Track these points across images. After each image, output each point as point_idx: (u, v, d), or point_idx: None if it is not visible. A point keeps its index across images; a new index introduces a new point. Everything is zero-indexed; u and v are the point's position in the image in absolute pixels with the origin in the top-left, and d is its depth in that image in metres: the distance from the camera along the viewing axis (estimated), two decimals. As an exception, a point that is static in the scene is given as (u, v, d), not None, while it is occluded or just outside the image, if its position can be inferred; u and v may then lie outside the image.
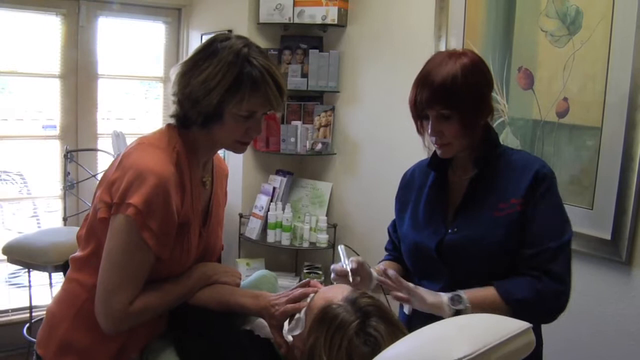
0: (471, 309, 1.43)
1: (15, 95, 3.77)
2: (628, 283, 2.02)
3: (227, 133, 1.45)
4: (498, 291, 1.46)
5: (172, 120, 1.50)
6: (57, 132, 3.61)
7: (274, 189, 3.31)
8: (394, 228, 1.81)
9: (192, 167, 1.47)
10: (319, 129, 3.30)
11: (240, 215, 3.39)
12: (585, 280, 2.14)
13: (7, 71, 3.55)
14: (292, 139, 3.24)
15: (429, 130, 1.53)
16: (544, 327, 2.19)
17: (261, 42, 3.24)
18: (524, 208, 1.49)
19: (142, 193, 1.32)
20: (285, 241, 3.24)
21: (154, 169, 1.34)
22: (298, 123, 3.27)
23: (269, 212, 3.25)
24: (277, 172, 3.40)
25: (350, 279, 1.44)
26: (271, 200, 3.28)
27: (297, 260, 3.54)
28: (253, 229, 3.31)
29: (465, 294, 1.45)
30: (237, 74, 1.37)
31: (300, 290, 1.43)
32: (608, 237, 2.04)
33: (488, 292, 1.46)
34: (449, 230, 1.57)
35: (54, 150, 3.62)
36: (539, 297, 1.43)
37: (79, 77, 3.58)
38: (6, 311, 3.54)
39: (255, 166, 3.42)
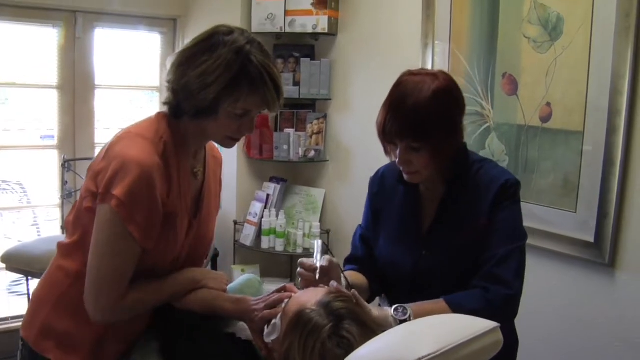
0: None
1: (14, 106, 3.83)
2: (611, 285, 2.05)
3: (219, 129, 1.43)
4: (448, 304, 1.44)
5: (164, 108, 1.47)
6: (55, 142, 3.65)
7: (268, 195, 3.35)
8: (360, 239, 1.76)
9: (180, 158, 1.45)
10: (311, 137, 3.34)
11: (235, 222, 3.43)
12: (570, 282, 2.18)
13: (6, 82, 3.60)
14: (285, 147, 3.29)
15: (397, 159, 1.50)
16: (527, 328, 2.23)
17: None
18: (488, 225, 1.51)
19: (126, 184, 1.31)
20: (279, 247, 3.27)
21: (138, 159, 1.33)
22: (291, 131, 3.31)
23: (262, 219, 3.29)
24: (271, 179, 3.44)
25: (317, 276, 1.45)
26: (265, 207, 3.32)
27: (292, 265, 3.57)
28: (247, 235, 3.34)
29: (411, 307, 1.42)
30: (235, 73, 1.34)
31: (276, 295, 1.45)
32: (591, 239, 2.07)
33: (436, 306, 1.45)
34: (423, 252, 1.57)
35: (52, 160, 3.67)
36: (489, 305, 1.42)
37: (76, 88, 3.62)
38: (6, 319, 3.58)
39: (249, 173, 3.46)
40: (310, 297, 1.31)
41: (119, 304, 1.38)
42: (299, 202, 3.44)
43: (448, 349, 1.05)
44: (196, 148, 1.53)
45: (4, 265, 3.20)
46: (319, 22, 3.16)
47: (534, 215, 2.24)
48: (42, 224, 4.04)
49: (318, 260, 1.51)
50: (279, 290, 1.48)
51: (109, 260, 1.36)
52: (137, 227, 1.34)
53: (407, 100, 1.44)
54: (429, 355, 1.03)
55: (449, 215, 1.55)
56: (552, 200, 2.20)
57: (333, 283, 1.42)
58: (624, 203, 2.00)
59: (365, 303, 1.39)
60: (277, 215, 3.30)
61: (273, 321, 1.36)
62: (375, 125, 1.51)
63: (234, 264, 3.42)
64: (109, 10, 3.61)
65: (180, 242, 1.50)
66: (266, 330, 1.37)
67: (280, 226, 3.26)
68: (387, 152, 1.54)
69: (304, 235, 3.26)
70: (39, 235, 3.88)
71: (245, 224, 3.39)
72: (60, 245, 1.52)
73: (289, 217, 3.37)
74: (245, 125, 1.44)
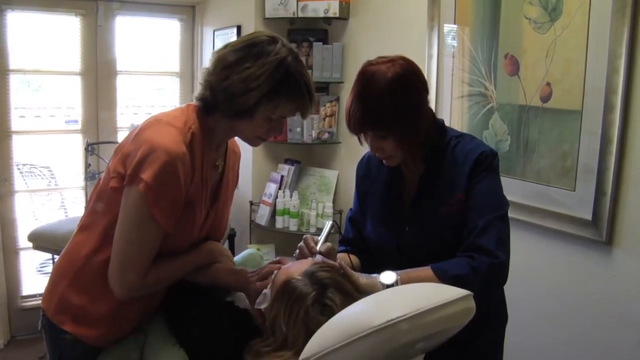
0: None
1: (39, 92, 3.99)
2: (608, 262, 2.08)
3: (252, 129, 1.53)
4: (433, 270, 1.49)
5: (196, 102, 1.54)
6: (79, 126, 3.80)
7: (282, 177, 3.44)
8: (349, 221, 1.84)
9: (205, 150, 1.52)
10: (324, 119, 3.41)
11: (251, 203, 3.53)
12: (568, 259, 2.21)
13: (31, 70, 3.76)
14: (299, 129, 3.36)
15: (369, 147, 1.57)
16: (524, 305, 2.28)
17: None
18: (467, 198, 1.55)
19: (154, 169, 1.38)
20: (293, 227, 3.36)
21: (167, 146, 1.40)
22: (305, 113, 3.38)
23: (277, 200, 3.38)
24: (286, 161, 3.52)
25: (310, 258, 1.51)
26: (279, 188, 3.41)
27: (306, 245, 3.65)
28: (263, 215, 3.44)
29: (398, 273, 1.47)
30: (278, 82, 1.43)
31: (268, 267, 1.55)
32: (589, 217, 2.10)
33: (423, 273, 1.49)
34: (406, 229, 1.63)
35: (77, 144, 3.82)
36: (473, 272, 1.46)
37: (98, 74, 3.76)
38: (34, 295, 3.76)
39: (264, 156, 3.55)
40: (297, 268, 1.40)
41: (142, 281, 1.47)
42: (313, 183, 3.52)
43: (416, 313, 1.11)
44: (220, 142, 1.61)
45: (31, 245, 3.37)
46: (330, 6, 3.21)
47: (535, 193, 2.28)
48: (69, 205, 4.20)
49: (320, 242, 1.58)
50: (272, 263, 1.57)
51: (134, 240, 1.44)
52: (161, 211, 1.42)
53: (365, 92, 1.51)
54: (397, 318, 1.09)
55: (429, 191, 1.61)
56: (552, 178, 2.23)
57: (319, 256, 1.50)
58: (621, 181, 2.02)
59: (352, 272, 1.47)
60: (291, 196, 3.39)
61: (264, 291, 1.45)
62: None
63: (250, 243, 3.53)
64: (129, -2, 3.74)
65: (197, 229, 1.59)
66: (258, 299, 1.46)
67: (294, 206, 3.35)
68: (360, 142, 1.59)
69: (317, 215, 3.34)
70: (66, 217, 4.04)
71: (261, 204, 3.49)
72: (82, 219, 1.61)
73: (303, 197, 3.46)
74: (276, 128, 1.54)
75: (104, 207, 1.54)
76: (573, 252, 2.18)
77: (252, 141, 1.59)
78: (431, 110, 1.63)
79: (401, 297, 1.21)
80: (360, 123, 1.52)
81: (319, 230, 3.32)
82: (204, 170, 1.54)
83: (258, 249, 3.40)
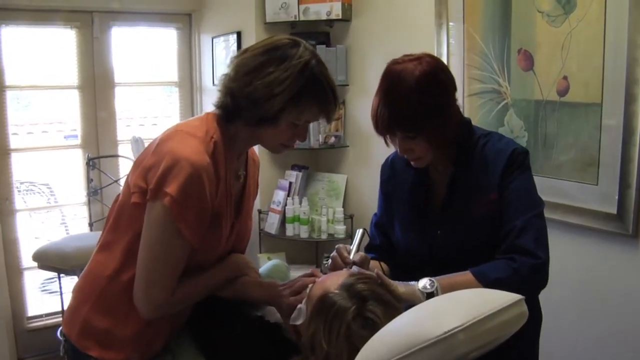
0: (443, 292, 1.41)
1: (37, 108, 3.91)
2: (636, 256, 2.05)
3: (276, 136, 1.47)
4: (474, 274, 1.44)
5: (216, 110, 1.49)
6: (78, 141, 3.73)
7: (290, 183, 3.39)
8: (375, 227, 1.77)
9: (228, 159, 1.48)
10: (331, 123, 3.36)
11: (260, 212, 3.47)
12: (593, 254, 2.18)
13: (28, 85, 3.68)
14: (305, 134, 3.31)
15: (397, 148, 1.52)
16: (551, 303, 2.24)
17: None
18: (501, 198, 1.51)
19: (179, 182, 1.33)
20: (304, 234, 3.31)
21: (190, 157, 1.35)
22: (310, 118, 3.33)
23: (286, 207, 3.33)
24: (293, 167, 3.47)
25: (347, 269, 1.46)
26: (288, 195, 3.36)
27: (317, 252, 3.61)
28: (272, 224, 3.39)
29: (438, 280, 1.43)
30: (302, 86, 1.39)
31: (301, 281, 1.49)
32: (614, 211, 2.07)
33: (463, 277, 1.45)
34: (438, 232, 1.58)
35: (77, 159, 3.75)
36: (515, 274, 1.42)
37: (96, 87, 3.70)
38: (40, 316, 3.69)
39: (271, 163, 3.50)
40: (333, 281, 1.34)
41: (169, 299, 1.41)
42: (322, 188, 3.47)
43: (473, 322, 1.07)
44: (242, 151, 1.56)
45: (35, 265, 3.30)
46: (333, 8, 3.17)
47: (556, 189, 2.24)
48: (70, 222, 4.13)
49: (353, 252, 1.53)
50: (305, 276, 1.51)
51: (160, 257, 1.39)
52: (188, 225, 1.37)
53: (392, 93, 1.46)
54: (455, 328, 1.05)
55: (460, 193, 1.56)
56: (573, 174, 2.20)
57: (355, 267, 1.44)
58: (645, 172, 1.99)
59: (390, 281, 1.41)
60: (300, 203, 3.33)
61: (299, 306, 1.39)
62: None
63: (260, 252, 3.47)
64: (125, 9, 3.68)
65: (224, 241, 1.54)
66: (293, 315, 1.41)
67: (304, 213, 3.30)
68: (387, 143, 1.55)
69: (328, 221, 3.29)
70: (67, 234, 3.97)
71: (270, 213, 3.43)
72: (102, 239, 1.54)
73: (312, 203, 3.41)
74: (299, 134, 1.50)
75: (124, 224, 1.48)
76: (599, 247, 2.15)
77: (276, 149, 1.54)
78: (459, 108, 1.58)
79: (454, 306, 1.15)
80: (388, 124, 1.47)
81: (330, 236, 3.29)
82: (228, 180, 1.49)
83: (269, 258, 3.35)
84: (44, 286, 3.96)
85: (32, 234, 3.96)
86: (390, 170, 1.75)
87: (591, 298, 2.20)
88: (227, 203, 1.50)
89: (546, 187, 2.27)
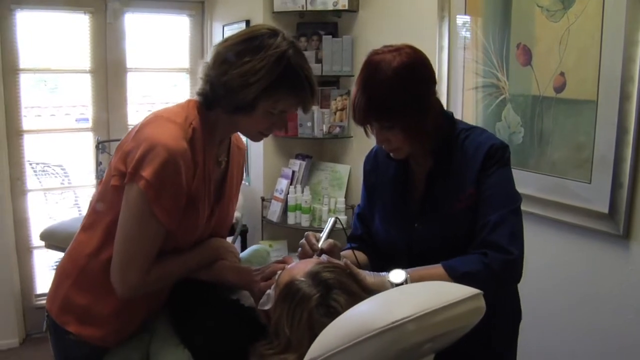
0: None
1: (51, 91, 3.99)
2: (626, 256, 2.02)
3: (253, 124, 1.50)
4: (444, 268, 1.45)
5: (197, 97, 1.52)
6: (89, 124, 3.80)
7: (293, 172, 3.41)
8: (357, 217, 1.79)
9: (207, 145, 1.50)
10: (335, 113, 3.37)
11: (262, 199, 3.50)
12: (584, 253, 2.16)
13: (42, 69, 3.76)
14: (309, 124, 3.33)
15: (375, 138, 1.53)
16: (541, 299, 2.23)
17: (277, 30, 3.33)
18: (478, 193, 1.51)
19: (154, 166, 1.36)
20: (305, 222, 3.33)
21: (167, 143, 1.38)
22: (315, 108, 3.34)
23: (288, 195, 3.35)
24: (297, 156, 3.49)
25: (315, 257, 1.48)
26: (291, 184, 3.39)
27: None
28: (274, 211, 3.42)
29: (408, 271, 1.44)
30: (277, 75, 1.40)
31: (272, 267, 1.51)
32: (606, 210, 2.04)
33: (434, 270, 1.45)
34: (416, 225, 1.59)
35: (88, 142, 3.82)
36: (486, 269, 1.42)
37: (108, 72, 3.76)
38: (46, 294, 3.77)
39: (275, 151, 3.52)
40: (300, 269, 1.36)
41: (145, 279, 1.45)
42: (325, 178, 3.49)
43: (424, 313, 1.07)
44: (222, 137, 1.59)
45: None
46: (340, -2, 3.17)
47: (549, 186, 2.22)
48: (83, 204, 4.21)
49: (323, 239, 1.54)
50: (276, 262, 1.54)
51: (136, 238, 1.43)
52: (162, 208, 1.41)
53: (369, 82, 1.46)
54: (404, 318, 1.05)
55: (439, 186, 1.56)
56: (567, 170, 2.18)
57: (324, 256, 1.46)
58: (638, 172, 1.95)
59: (359, 271, 1.43)
60: (302, 191, 3.35)
61: (267, 291, 1.42)
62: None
63: (262, 239, 3.51)
64: (138, -5, 3.73)
65: (202, 225, 1.57)
66: (261, 300, 1.43)
67: (306, 202, 3.32)
68: (367, 134, 1.56)
69: (329, 210, 3.31)
70: (80, 215, 4.04)
71: (272, 201, 3.46)
72: (84, 220, 1.59)
73: (315, 193, 3.43)
74: (278, 123, 1.52)
75: (106, 205, 1.52)
76: (590, 246, 2.13)
77: (254, 136, 1.57)
78: (439, 101, 1.58)
79: (408, 296, 1.17)
80: (365, 113, 1.48)
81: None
82: (206, 166, 1.52)
83: (270, 245, 3.39)
84: (55, 265, 4.04)
85: (47, 214, 4.06)
86: (374, 162, 1.76)
87: (580, 297, 2.18)
88: (206, 188, 1.53)
89: (540, 183, 2.26)
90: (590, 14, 2.04)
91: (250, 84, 1.40)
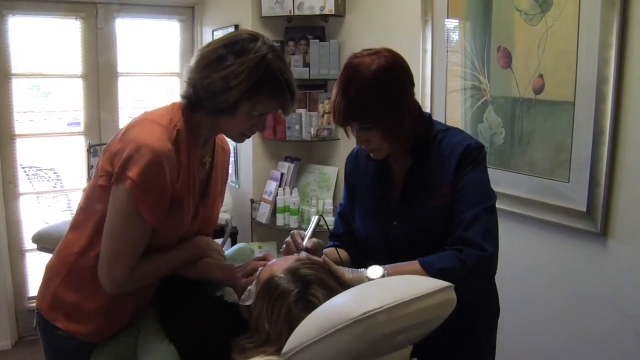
0: None
1: (42, 96, 4.03)
2: (604, 253, 2.07)
3: (235, 126, 1.55)
4: (421, 264, 1.49)
5: (181, 100, 1.57)
6: (81, 128, 3.84)
7: (282, 175, 3.45)
8: (339, 216, 1.84)
9: (191, 147, 1.55)
10: (323, 116, 3.42)
11: (252, 201, 3.55)
12: (563, 251, 2.20)
13: (34, 74, 3.80)
14: (297, 127, 3.37)
15: (356, 139, 1.57)
16: (520, 299, 2.27)
17: (266, 35, 3.37)
18: (454, 191, 1.55)
19: (140, 167, 1.41)
20: (294, 224, 3.37)
21: (153, 145, 1.43)
22: (303, 111, 3.39)
23: (277, 197, 3.39)
24: (286, 159, 3.54)
25: (299, 255, 1.53)
26: (280, 186, 3.43)
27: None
28: (264, 213, 3.46)
29: (385, 268, 1.47)
30: (258, 79, 1.45)
31: (253, 264, 1.56)
32: (584, 209, 2.09)
33: (411, 267, 1.49)
34: (394, 223, 1.63)
35: (80, 146, 3.85)
36: (461, 265, 1.46)
37: (100, 77, 3.80)
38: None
39: (264, 154, 3.56)
40: (280, 265, 1.41)
41: (131, 276, 1.50)
42: (313, 180, 3.53)
43: (394, 305, 1.11)
44: (207, 139, 1.64)
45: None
46: (327, 3, 3.22)
47: (529, 186, 2.27)
48: (75, 207, 4.23)
49: (307, 238, 1.59)
50: (258, 259, 1.58)
51: (122, 236, 1.48)
52: (148, 207, 1.46)
53: (349, 85, 1.51)
54: (375, 310, 1.09)
55: (416, 185, 1.61)
56: (546, 171, 2.22)
57: (303, 253, 1.51)
58: (614, 172, 2.00)
59: (337, 267, 1.47)
60: (291, 194, 3.40)
61: (249, 288, 1.46)
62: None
63: (252, 241, 3.55)
64: (129, 1, 3.77)
65: (187, 225, 1.62)
66: (243, 296, 1.48)
67: (294, 204, 3.36)
68: (347, 135, 1.60)
69: (318, 212, 3.35)
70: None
71: (262, 203, 3.50)
72: (73, 220, 1.64)
73: (304, 195, 3.47)
74: (259, 125, 1.57)
75: (93, 205, 1.56)
76: (569, 245, 2.18)
77: (236, 138, 1.61)
78: (417, 103, 1.63)
79: (380, 289, 1.21)
80: (345, 115, 1.53)
81: (320, 227, 3.33)
82: (191, 167, 1.56)
83: (260, 247, 3.43)
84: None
85: (40, 218, 4.08)
86: (355, 163, 1.81)
87: (559, 295, 2.23)
88: (190, 188, 1.58)
89: (521, 183, 2.31)
90: (567, 18, 2.09)
91: (232, 87, 1.45)
